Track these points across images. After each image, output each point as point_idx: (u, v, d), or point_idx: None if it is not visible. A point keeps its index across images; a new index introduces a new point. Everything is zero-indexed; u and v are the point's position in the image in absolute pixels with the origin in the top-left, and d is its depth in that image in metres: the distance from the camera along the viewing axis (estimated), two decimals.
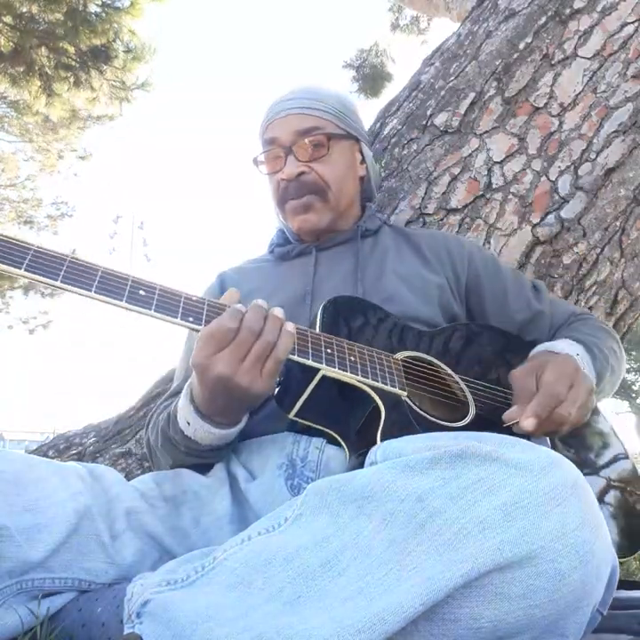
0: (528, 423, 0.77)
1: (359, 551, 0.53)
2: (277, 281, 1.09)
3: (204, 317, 0.75)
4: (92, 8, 3.86)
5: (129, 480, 0.86)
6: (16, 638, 0.64)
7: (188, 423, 0.81)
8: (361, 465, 0.64)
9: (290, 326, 0.76)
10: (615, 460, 0.94)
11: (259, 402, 0.80)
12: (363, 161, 1.17)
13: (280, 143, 1.07)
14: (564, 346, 0.95)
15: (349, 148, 1.12)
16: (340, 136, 1.09)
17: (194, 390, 0.80)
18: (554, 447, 0.88)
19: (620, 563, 0.68)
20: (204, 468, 0.91)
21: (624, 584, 0.91)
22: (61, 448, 1.49)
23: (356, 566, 0.52)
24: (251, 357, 0.73)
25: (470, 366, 0.95)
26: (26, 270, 0.66)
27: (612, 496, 0.87)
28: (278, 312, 0.76)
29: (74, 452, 1.46)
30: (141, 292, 0.71)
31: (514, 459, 0.53)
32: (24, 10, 3.79)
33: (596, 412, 1.00)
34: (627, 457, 0.96)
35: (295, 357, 0.77)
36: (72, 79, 4.09)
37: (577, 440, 0.93)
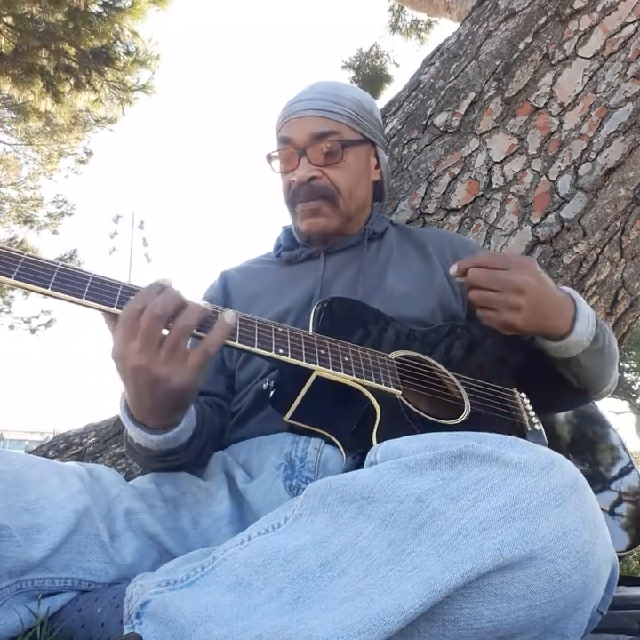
0: (452, 268, 0.91)
1: (359, 552, 0.53)
2: (284, 284, 1.08)
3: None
4: (94, 8, 3.86)
5: (129, 480, 0.86)
6: (16, 638, 0.64)
7: (130, 432, 0.78)
8: (357, 465, 0.64)
9: (228, 317, 0.72)
10: (625, 471, 0.94)
11: (187, 397, 0.74)
12: (377, 165, 1.15)
13: (294, 144, 1.05)
14: (580, 297, 0.96)
15: (364, 152, 1.11)
16: (356, 142, 1.07)
17: (124, 393, 0.75)
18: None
19: (620, 560, 0.68)
20: (201, 470, 0.91)
21: (624, 580, 0.91)
22: (61, 448, 1.49)
23: (356, 567, 0.52)
24: (167, 346, 0.67)
25: (465, 364, 0.95)
26: (16, 279, 0.65)
27: (623, 508, 0.87)
28: (203, 303, 0.71)
29: (74, 451, 1.46)
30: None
31: (514, 459, 0.53)
32: (25, 10, 3.79)
33: (605, 424, 1.01)
34: (634, 467, 0.95)
35: (288, 359, 0.77)
36: (73, 80, 4.09)
37: (590, 453, 0.94)
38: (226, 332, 0.71)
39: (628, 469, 0.94)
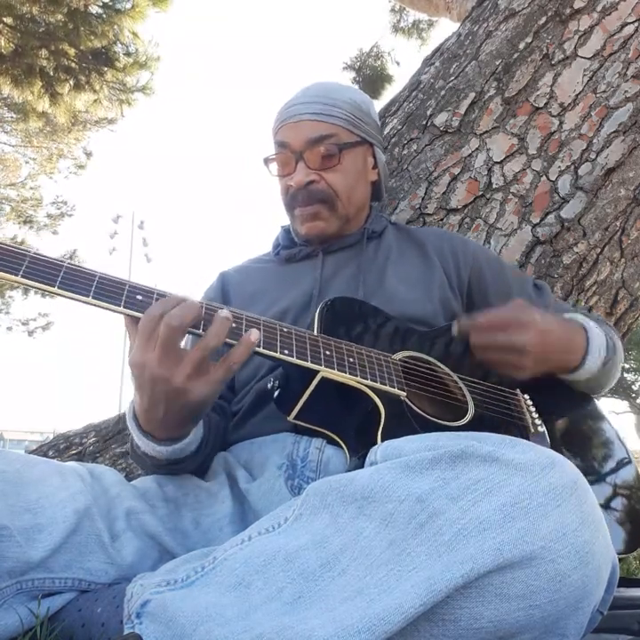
0: (453, 328, 0.91)
1: (359, 551, 0.53)
2: (283, 283, 1.08)
3: (201, 323, 0.71)
4: (93, 9, 3.86)
5: (129, 480, 0.86)
6: (16, 638, 0.64)
7: (137, 441, 0.78)
8: (361, 466, 0.64)
9: (253, 336, 0.71)
10: (620, 465, 0.94)
11: (202, 410, 0.75)
12: (375, 165, 1.15)
13: (291, 148, 1.05)
14: (586, 319, 0.99)
15: (362, 154, 1.11)
16: (353, 144, 1.07)
17: (135, 402, 0.75)
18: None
19: (620, 561, 0.68)
20: (203, 471, 0.91)
21: (624, 582, 0.91)
22: (61, 448, 1.49)
23: (356, 567, 0.52)
24: (191, 361, 0.67)
25: (469, 366, 0.95)
26: (23, 277, 0.65)
27: (618, 502, 0.87)
28: (226, 313, 0.70)
29: (74, 451, 1.46)
30: (139, 297, 0.70)
31: (514, 459, 0.53)
32: (25, 11, 3.79)
33: (601, 418, 1.01)
34: (630, 461, 0.96)
35: (294, 359, 0.77)
36: (72, 81, 4.09)
37: (583, 447, 0.94)
38: (250, 350, 0.71)
39: (623, 463, 0.94)
